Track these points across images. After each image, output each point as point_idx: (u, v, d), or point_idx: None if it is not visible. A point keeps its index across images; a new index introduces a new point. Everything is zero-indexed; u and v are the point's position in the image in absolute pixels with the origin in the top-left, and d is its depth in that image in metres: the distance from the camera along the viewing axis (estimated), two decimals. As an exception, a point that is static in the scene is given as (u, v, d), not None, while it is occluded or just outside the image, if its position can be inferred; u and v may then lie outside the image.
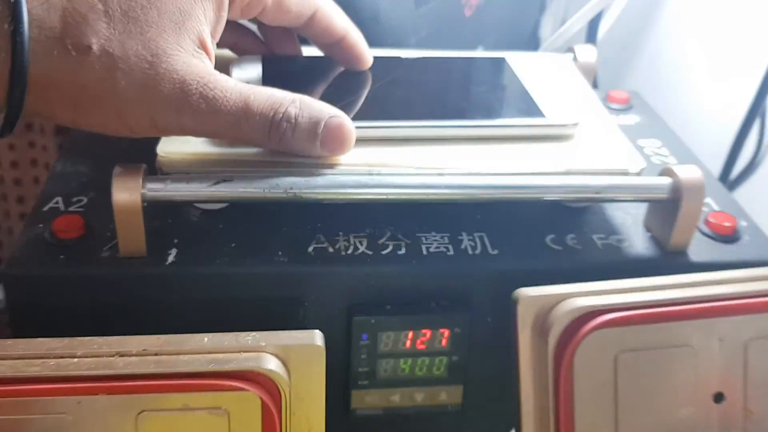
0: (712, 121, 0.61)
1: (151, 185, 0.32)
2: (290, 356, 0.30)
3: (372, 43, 0.41)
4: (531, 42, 0.81)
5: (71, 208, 0.36)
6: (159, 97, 0.30)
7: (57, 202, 0.36)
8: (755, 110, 0.54)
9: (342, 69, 0.41)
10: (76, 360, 0.28)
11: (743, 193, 0.59)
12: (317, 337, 0.30)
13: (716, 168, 0.59)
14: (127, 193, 0.31)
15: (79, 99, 0.29)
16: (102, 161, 0.39)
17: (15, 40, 0.27)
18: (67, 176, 0.38)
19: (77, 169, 0.39)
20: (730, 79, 0.60)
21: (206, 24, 0.32)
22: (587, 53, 0.45)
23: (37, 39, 0.27)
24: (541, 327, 0.32)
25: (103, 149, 0.40)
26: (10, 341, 0.29)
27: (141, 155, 0.33)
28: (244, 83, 0.32)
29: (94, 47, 0.28)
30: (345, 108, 0.34)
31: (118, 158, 0.33)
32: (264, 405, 0.29)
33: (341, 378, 0.36)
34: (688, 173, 0.35)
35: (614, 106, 0.49)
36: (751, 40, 0.58)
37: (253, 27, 0.41)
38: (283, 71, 0.40)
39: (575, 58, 0.45)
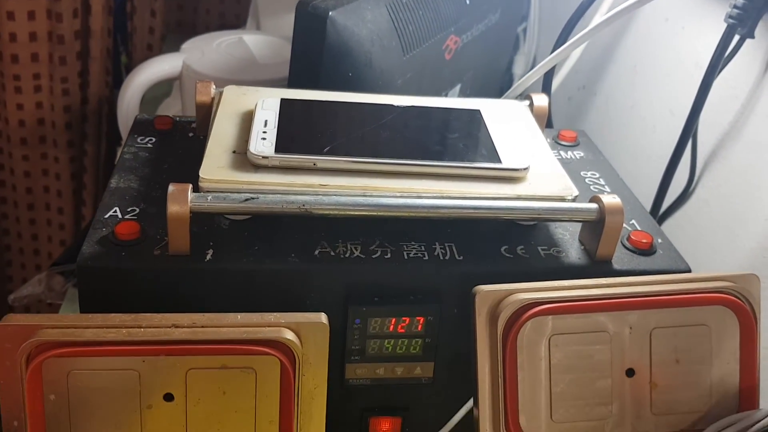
0: (654, 154, 0.71)
1: (196, 200, 0.41)
2: (302, 331, 0.39)
3: (365, 83, 0.51)
4: (506, 77, 0.91)
5: (127, 216, 0.45)
6: None
7: (115, 211, 0.45)
8: (683, 144, 0.64)
9: (346, 112, 0.50)
10: (141, 329, 0.37)
11: (678, 218, 0.69)
12: (323, 317, 0.39)
13: (652, 195, 0.69)
14: (178, 205, 0.41)
15: None
16: (149, 179, 0.48)
17: None
18: (121, 191, 0.47)
19: (129, 185, 0.48)
20: (667, 120, 0.70)
21: None
22: (541, 100, 0.55)
23: None
24: (493, 314, 0.41)
25: (148, 169, 0.49)
26: (90, 315, 0.38)
27: (181, 176, 0.42)
28: None
29: None
30: (346, 145, 0.44)
31: (161, 177, 0.41)
32: (283, 366, 0.38)
33: (338, 354, 0.45)
34: (610, 200, 0.44)
35: (564, 143, 0.59)
36: (681, 83, 0.68)
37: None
38: (297, 112, 0.49)
39: (531, 104, 0.55)
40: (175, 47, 0.80)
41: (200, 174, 0.43)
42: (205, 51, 0.78)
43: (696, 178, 0.68)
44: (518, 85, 0.61)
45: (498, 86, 0.86)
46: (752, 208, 0.61)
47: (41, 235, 1.05)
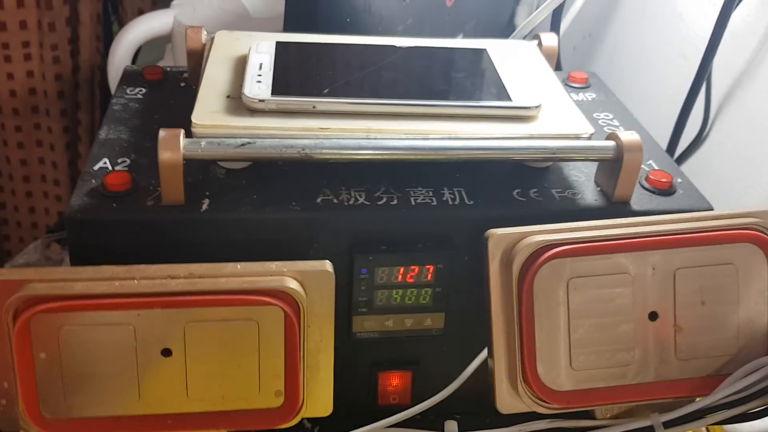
0: (666, 99, 0.69)
1: (189, 146, 0.39)
2: (306, 279, 0.37)
3: (364, 30, 0.48)
4: (508, 29, 0.88)
5: (117, 167, 0.43)
6: None
7: (105, 162, 0.43)
8: (696, 87, 0.61)
9: (345, 54, 0.48)
10: (135, 282, 0.35)
11: (692, 163, 0.67)
12: (327, 265, 0.37)
13: (667, 140, 0.66)
14: (170, 151, 0.38)
15: None
16: (139, 130, 0.46)
17: None
18: (111, 142, 0.45)
19: (119, 136, 0.45)
20: (678, 63, 0.68)
21: None
22: (550, 39, 0.52)
23: None
24: (507, 259, 0.39)
25: (138, 120, 0.47)
26: (81, 268, 0.36)
27: (173, 125, 0.39)
28: None
29: None
30: (347, 87, 0.41)
31: (152, 128, 0.39)
32: (287, 317, 0.36)
33: (344, 306, 0.43)
34: (628, 137, 0.42)
35: (574, 85, 0.56)
36: (693, 24, 0.66)
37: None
38: (293, 56, 0.47)
39: (540, 44, 0.52)
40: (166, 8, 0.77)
41: (192, 119, 0.40)
42: (196, 6, 0.75)
43: (710, 121, 0.65)
44: (525, 24, 0.58)
45: (501, 38, 0.83)
46: (770, 150, 0.59)
47: (38, 208, 1.03)
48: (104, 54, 0.96)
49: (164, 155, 0.38)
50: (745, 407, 0.38)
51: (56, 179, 1.00)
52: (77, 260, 0.40)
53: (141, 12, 1.01)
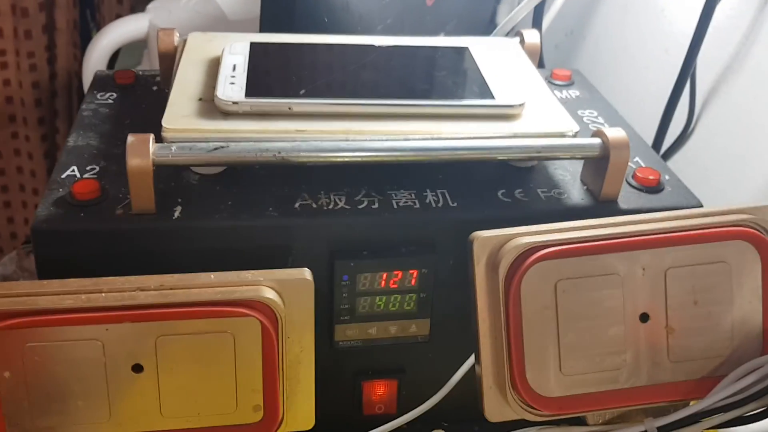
0: (650, 96, 0.68)
1: (159, 151, 0.37)
2: (284, 289, 0.35)
3: (342, 31, 0.47)
4: (489, 29, 0.87)
5: (86, 175, 0.41)
6: None
7: (73, 171, 0.41)
8: (681, 83, 0.60)
9: (323, 54, 0.46)
10: (103, 294, 0.33)
11: (678, 160, 0.66)
12: (306, 272, 0.36)
13: (651, 137, 0.65)
14: (139, 158, 0.37)
15: None
16: (109, 136, 0.44)
17: None
18: (80, 149, 0.43)
19: (88, 143, 0.44)
20: (661, 59, 0.67)
21: None
22: (532, 36, 0.51)
23: None
24: (493, 262, 0.38)
25: (109, 126, 0.45)
26: (46, 281, 0.34)
27: (144, 131, 0.38)
28: None
29: None
30: (325, 87, 0.40)
31: (123, 134, 0.38)
32: (264, 328, 0.34)
33: (326, 315, 0.41)
34: (614, 133, 0.41)
35: (558, 82, 0.55)
36: (676, 20, 0.65)
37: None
38: (268, 56, 0.45)
39: (522, 41, 0.51)
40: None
41: (163, 123, 0.39)
42: (172, 9, 0.73)
43: (695, 117, 0.65)
44: (507, 22, 0.56)
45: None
46: (757, 143, 0.58)
47: (17, 218, 1.01)
48: (81, 60, 0.95)
49: (133, 161, 0.36)
50: (741, 410, 0.37)
51: (35, 188, 0.99)
52: (44, 273, 0.38)
53: (119, 18, 0.99)
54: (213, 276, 0.35)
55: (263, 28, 0.53)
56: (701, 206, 0.43)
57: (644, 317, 0.39)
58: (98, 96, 0.48)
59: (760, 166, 0.58)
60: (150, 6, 0.75)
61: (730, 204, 0.39)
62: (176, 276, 0.35)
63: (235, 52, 0.45)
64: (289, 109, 0.40)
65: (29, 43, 0.86)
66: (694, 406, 0.38)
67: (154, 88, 0.50)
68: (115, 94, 0.49)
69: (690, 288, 0.39)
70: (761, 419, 0.37)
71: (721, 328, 0.39)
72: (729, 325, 0.39)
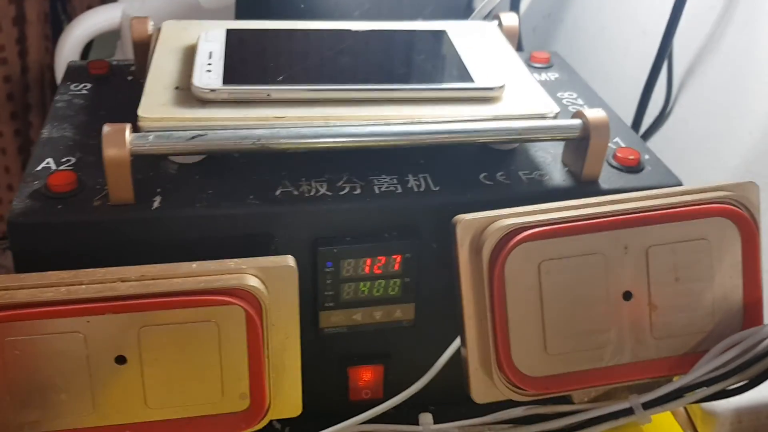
0: (628, 77, 0.68)
1: (136, 140, 0.36)
2: (268, 276, 0.35)
3: (319, 17, 0.46)
4: (467, 13, 0.87)
5: (62, 167, 0.40)
6: None
7: (48, 163, 0.40)
8: (659, 64, 0.61)
9: (300, 40, 0.46)
10: (83, 286, 0.33)
11: (657, 140, 0.66)
12: (290, 259, 0.35)
13: (630, 118, 0.66)
14: (116, 148, 0.36)
15: None
16: (84, 127, 0.44)
17: None
18: (54, 141, 0.42)
19: (63, 134, 0.43)
20: (639, 40, 0.67)
21: None
22: (510, 19, 0.51)
23: None
24: (477, 245, 0.38)
25: (84, 117, 0.44)
26: (24, 275, 0.33)
27: (120, 121, 0.37)
28: None
29: None
30: (303, 73, 0.39)
31: (98, 124, 0.37)
32: (248, 316, 0.34)
33: (310, 302, 0.41)
34: (595, 114, 0.41)
35: (536, 65, 0.55)
36: (652, 1, 0.65)
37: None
38: (245, 43, 0.45)
39: (500, 24, 0.51)
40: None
41: (138, 113, 0.38)
42: (145, -1, 0.72)
43: (673, 97, 0.65)
44: (484, 5, 0.56)
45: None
46: (734, 122, 0.59)
47: (-8, 215, 1.00)
48: (53, 53, 0.93)
49: (109, 152, 0.36)
50: (723, 384, 0.37)
51: (9, 184, 0.97)
52: (22, 267, 0.37)
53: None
54: (195, 265, 0.34)
55: (239, 16, 0.53)
56: (681, 185, 0.43)
57: (627, 295, 0.39)
58: (72, 87, 0.48)
59: (736, 144, 0.58)
60: (123, -5, 0.74)
61: (708, 182, 0.40)
62: (158, 266, 0.34)
63: (211, 40, 0.44)
64: (268, 95, 0.40)
65: (-1, 35, 0.85)
66: (678, 382, 0.38)
67: (129, 78, 0.49)
68: (89, 85, 0.48)
69: (671, 265, 0.39)
70: (743, 392, 0.37)
71: (703, 304, 0.39)
72: (710, 301, 0.39)
